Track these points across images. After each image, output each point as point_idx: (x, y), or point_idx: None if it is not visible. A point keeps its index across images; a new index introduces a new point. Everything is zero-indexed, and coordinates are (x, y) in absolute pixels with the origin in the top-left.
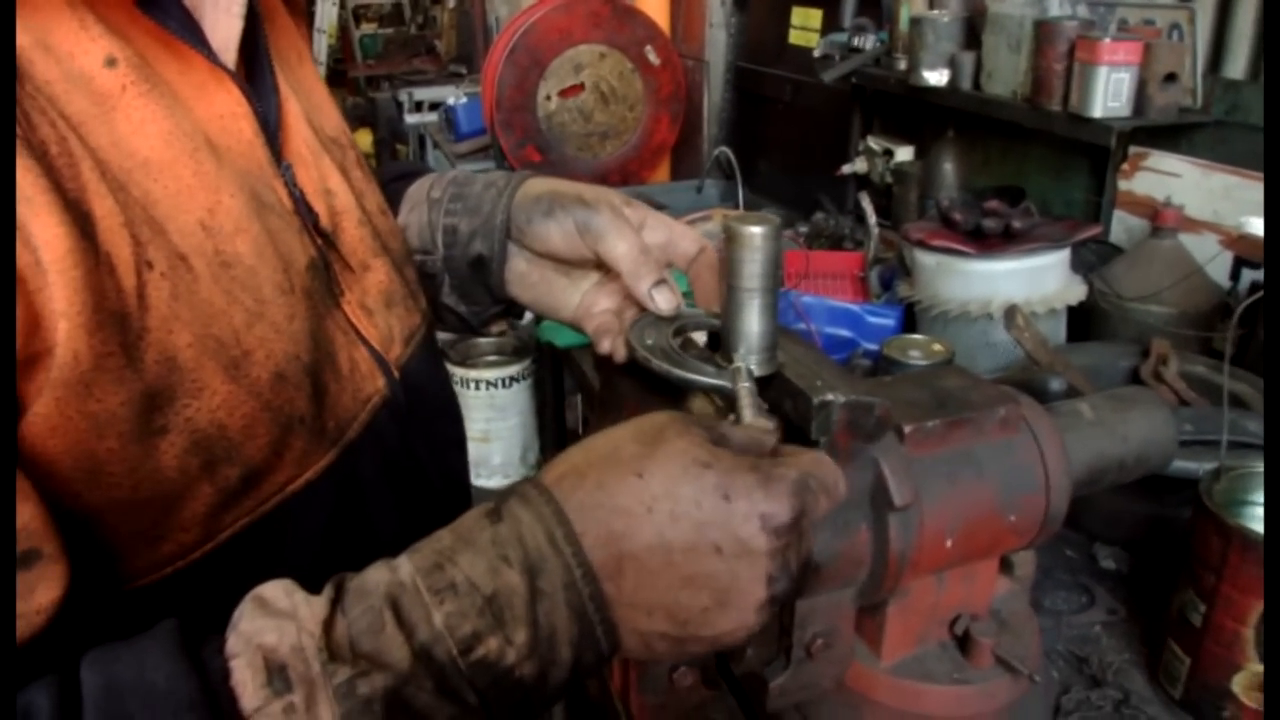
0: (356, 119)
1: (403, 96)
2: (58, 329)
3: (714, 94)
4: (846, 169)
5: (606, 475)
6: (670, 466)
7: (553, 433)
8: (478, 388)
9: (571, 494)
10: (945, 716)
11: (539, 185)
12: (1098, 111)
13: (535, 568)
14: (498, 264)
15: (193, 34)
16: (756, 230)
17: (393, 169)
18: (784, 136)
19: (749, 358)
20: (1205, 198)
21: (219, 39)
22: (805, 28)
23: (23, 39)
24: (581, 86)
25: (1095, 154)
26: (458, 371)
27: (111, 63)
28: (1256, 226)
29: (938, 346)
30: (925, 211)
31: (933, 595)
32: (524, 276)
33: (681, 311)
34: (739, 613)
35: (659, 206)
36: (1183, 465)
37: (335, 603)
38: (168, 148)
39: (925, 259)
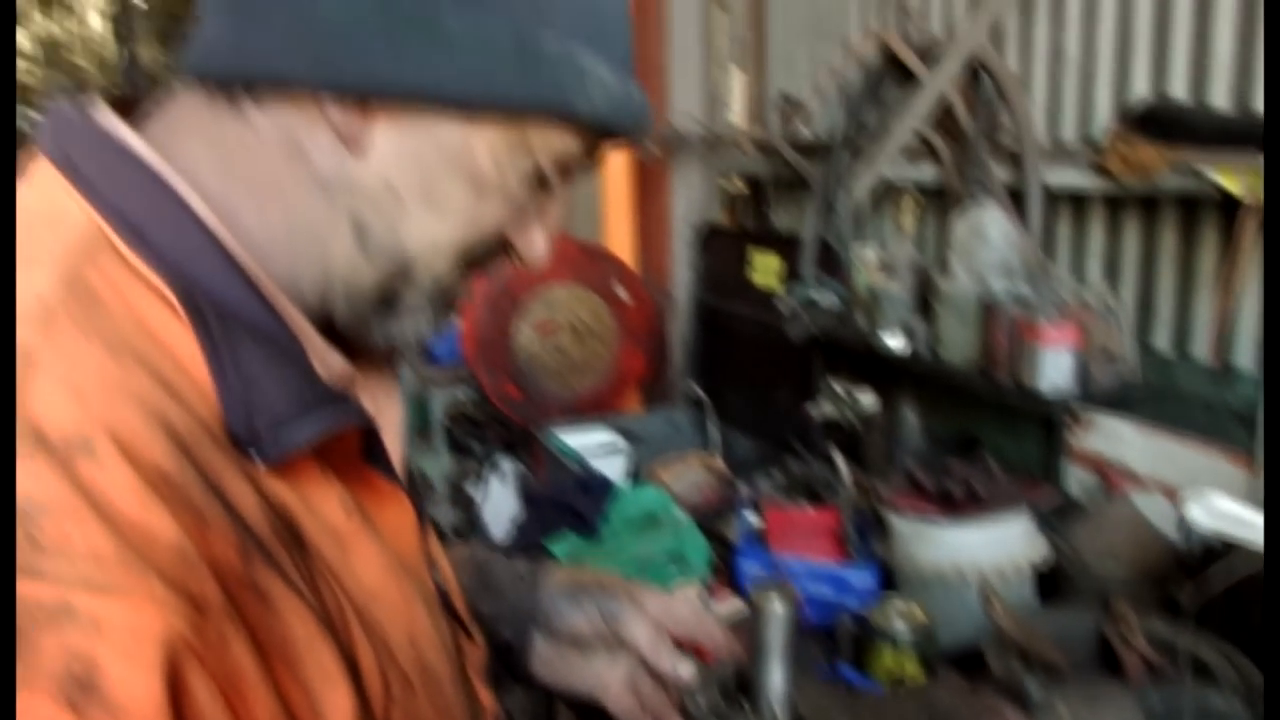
0: None
1: None
2: None
3: (682, 326)
4: (814, 412)
5: None
6: None
7: None
8: None
9: None
10: None
11: (561, 576)
12: (1044, 387)
13: None
14: (524, 649)
15: (394, 473)
16: (779, 605)
17: None
18: (751, 370)
19: (777, 706)
20: (1150, 459)
21: (393, 459)
22: (764, 270)
23: (296, 505)
24: (556, 324)
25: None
26: None
27: (346, 509)
28: (1196, 513)
29: (919, 614)
30: (892, 456)
31: None
32: (548, 661)
33: (704, 669)
34: None
35: (635, 438)
36: None
37: None
38: (383, 574)
39: (898, 522)
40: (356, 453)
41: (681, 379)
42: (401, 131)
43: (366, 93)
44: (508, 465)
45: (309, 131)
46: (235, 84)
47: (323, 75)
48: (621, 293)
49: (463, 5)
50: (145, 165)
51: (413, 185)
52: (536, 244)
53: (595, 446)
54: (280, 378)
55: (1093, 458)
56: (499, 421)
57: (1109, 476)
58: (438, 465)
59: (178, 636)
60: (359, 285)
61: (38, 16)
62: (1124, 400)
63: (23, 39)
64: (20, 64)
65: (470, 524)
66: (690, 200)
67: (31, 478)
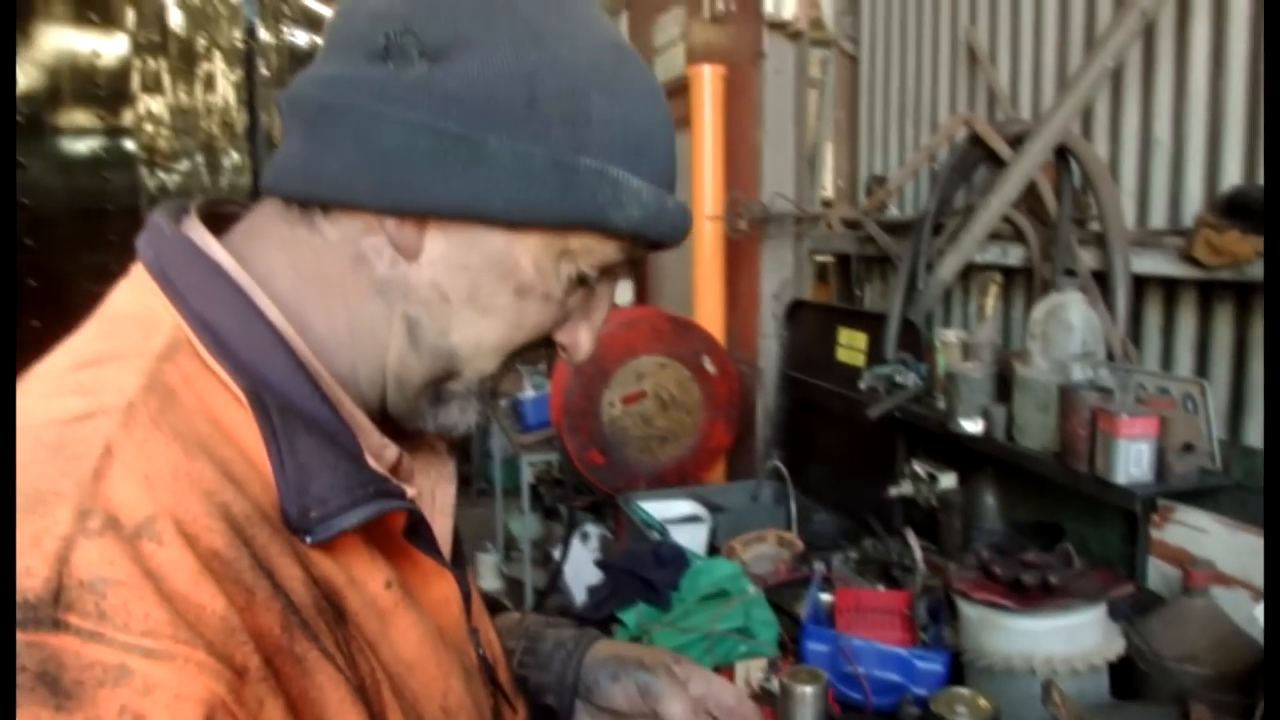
0: None
1: None
2: None
3: (767, 399)
4: (893, 492)
5: None
6: None
7: None
8: None
9: None
10: None
11: (603, 649)
12: (1121, 478)
13: None
14: (566, 718)
15: (437, 552)
16: (808, 689)
17: None
18: (834, 445)
19: None
20: (1234, 554)
21: (438, 536)
22: (851, 347)
23: (341, 580)
24: (643, 393)
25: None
26: None
27: (389, 585)
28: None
29: (984, 703)
30: (970, 540)
31: None
32: None
33: None
34: None
35: (717, 509)
36: None
37: None
38: (421, 647)
39: (968, 610)
40: (401, 533)
41: (766, 452)
42: (450, 241)
43: (419, 212)
44: (591, 529)
45: (370, 241)
46: (308, 201)
47: (382, 198)
48: (709, 365)
49: (505, 134)
50: (226, 275)
51: (460, 289)
52: (581, 342)
53: (677, 516)
54: (332, 467)
55: (1175, 552)
56: (584, 487)
57: (1191, 572)
58: (524, 526)
59: (217, 699)
60: (409, 379)
61: (171, 88)
62: (1208, 494)
63: (159, 107)
64: (152, 129)
65: (552, 585)
66: (779, 276)
67: (102, 555)
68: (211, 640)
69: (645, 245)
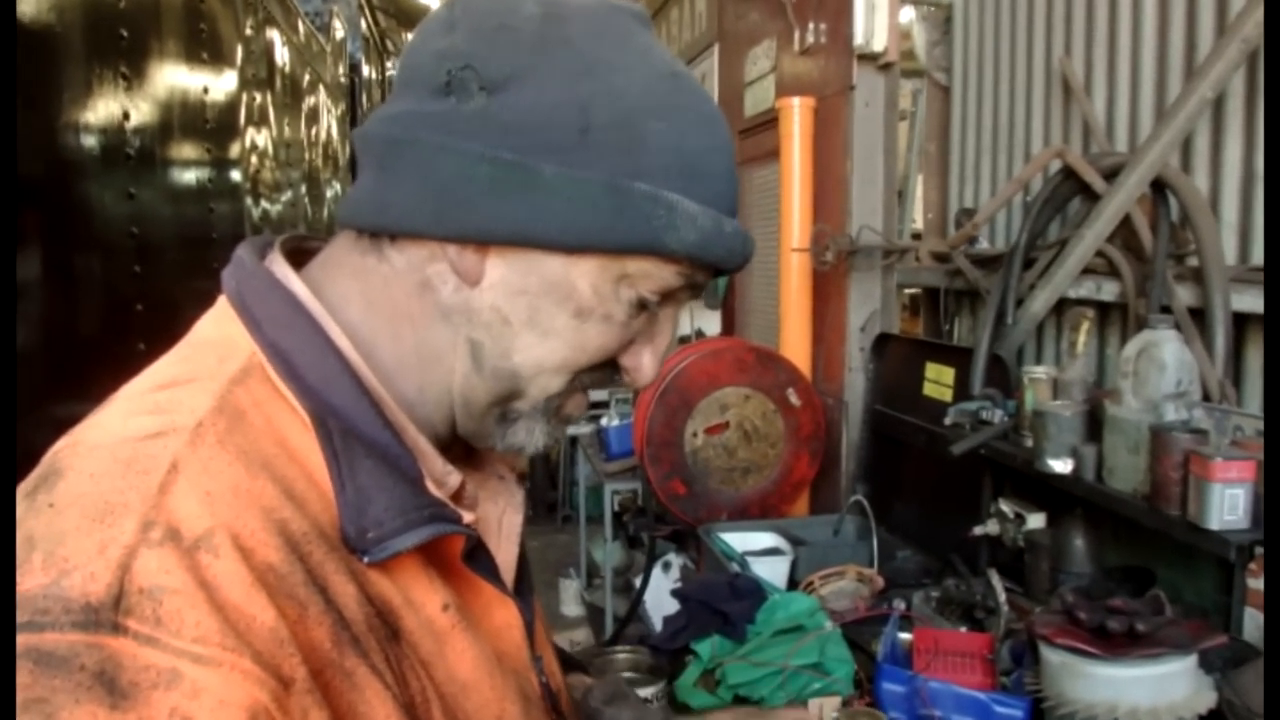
0: None
1: None
2: None
3: (852, 433)
4: (978, 530)
5: None
6: None
7: None
8: None
9: None
10: None
11: None
12: (1214, 524)
13: None
14: None
15: (497, 578)
16: None
17: None
18: (919, 481)
19: None
20: None
21: (502, 563)
22: (938, 382)
23: (397, 600)
24: (726, 425)
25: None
26: None
27: (446, 607)
28: None
29: None
30: (1057, 584)
31: None
32: None
33: None
34: None
35: (798, 542)
36: None
37: None
38: (476, 669)
39: (1050, 655)
40: (459, 558)
41: (849, 486)
42: (510, 266)
43: (478, 238)
44: (673, 559)
45: (434, 268)
46: (377, 231)
47: (443, 226)
48: (793, 398)
49: (559, 161)
50: (300, 305)
51: (520, 312)
52: (644, 365)
53: (758, 549)
54: (389, 490)
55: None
56: (666, 517)
57: None
58: (606, 554)
59: (260, 706)
60: (475, 400)
61: (276, 121)
62: None
63: (264, 140)
64: (257, 161)
65: (632, 613)
66: (867, 309)
67: (160, 564)
68: (259, 650)
69: (703, 269)
